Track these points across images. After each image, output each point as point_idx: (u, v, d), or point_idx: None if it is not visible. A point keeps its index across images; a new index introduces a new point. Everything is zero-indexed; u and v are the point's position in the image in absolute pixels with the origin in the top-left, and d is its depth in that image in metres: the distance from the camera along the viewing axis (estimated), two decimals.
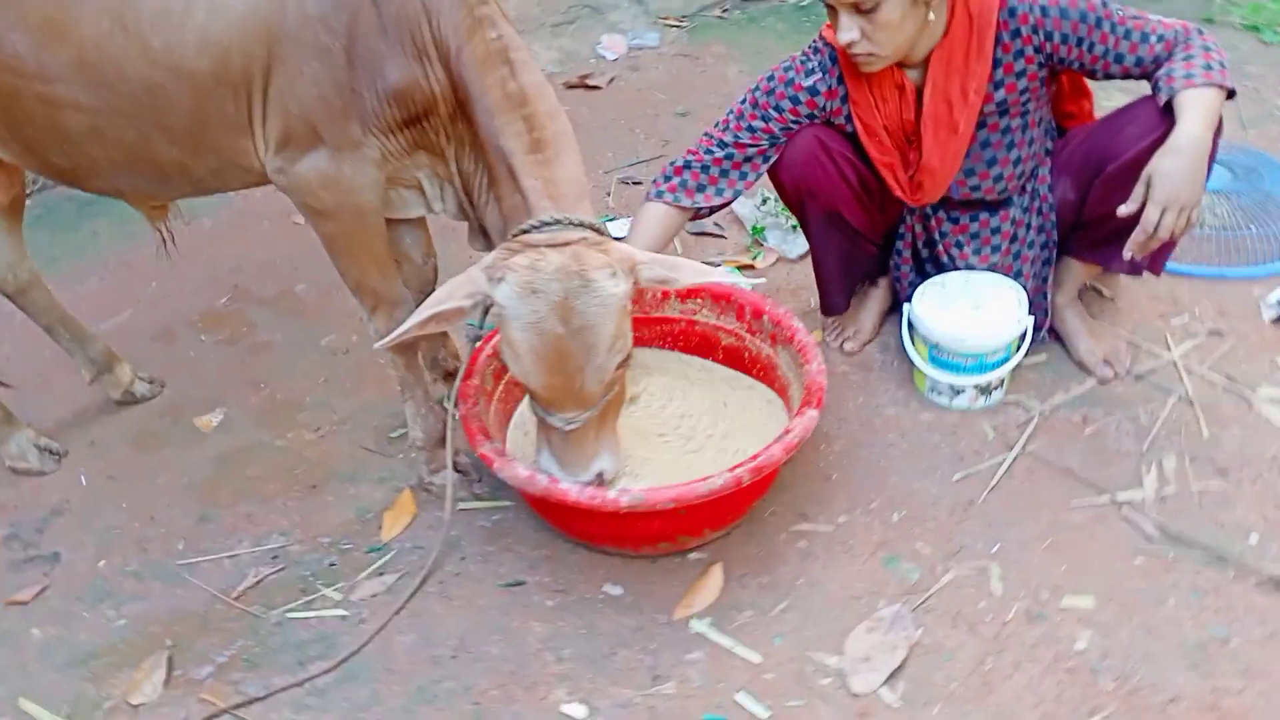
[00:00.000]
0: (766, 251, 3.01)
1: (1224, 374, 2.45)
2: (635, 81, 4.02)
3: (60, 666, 2.09)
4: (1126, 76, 2.16)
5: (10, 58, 1.94)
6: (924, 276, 2.52)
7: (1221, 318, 2.63)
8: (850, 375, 2.58)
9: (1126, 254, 2.06)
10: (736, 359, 2.49)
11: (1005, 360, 2.37)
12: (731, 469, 1.96)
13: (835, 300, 2.61)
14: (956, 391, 2.41)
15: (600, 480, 2.04)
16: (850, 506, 2.25)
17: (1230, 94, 2.03)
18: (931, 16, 2.09)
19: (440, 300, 1.86)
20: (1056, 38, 2.11)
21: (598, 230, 1.92)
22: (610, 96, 3.95)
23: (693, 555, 2.17)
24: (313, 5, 1.84)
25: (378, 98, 1.90)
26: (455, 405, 2.15)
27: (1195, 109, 1.98)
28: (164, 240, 2.40)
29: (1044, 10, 2.11)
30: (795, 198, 2.39)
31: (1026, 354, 2.52)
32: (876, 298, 2.66)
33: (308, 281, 3.09)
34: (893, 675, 1.91)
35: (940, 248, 2.47)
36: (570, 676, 1.97)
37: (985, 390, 2.41)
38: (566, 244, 1.85)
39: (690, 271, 1.94)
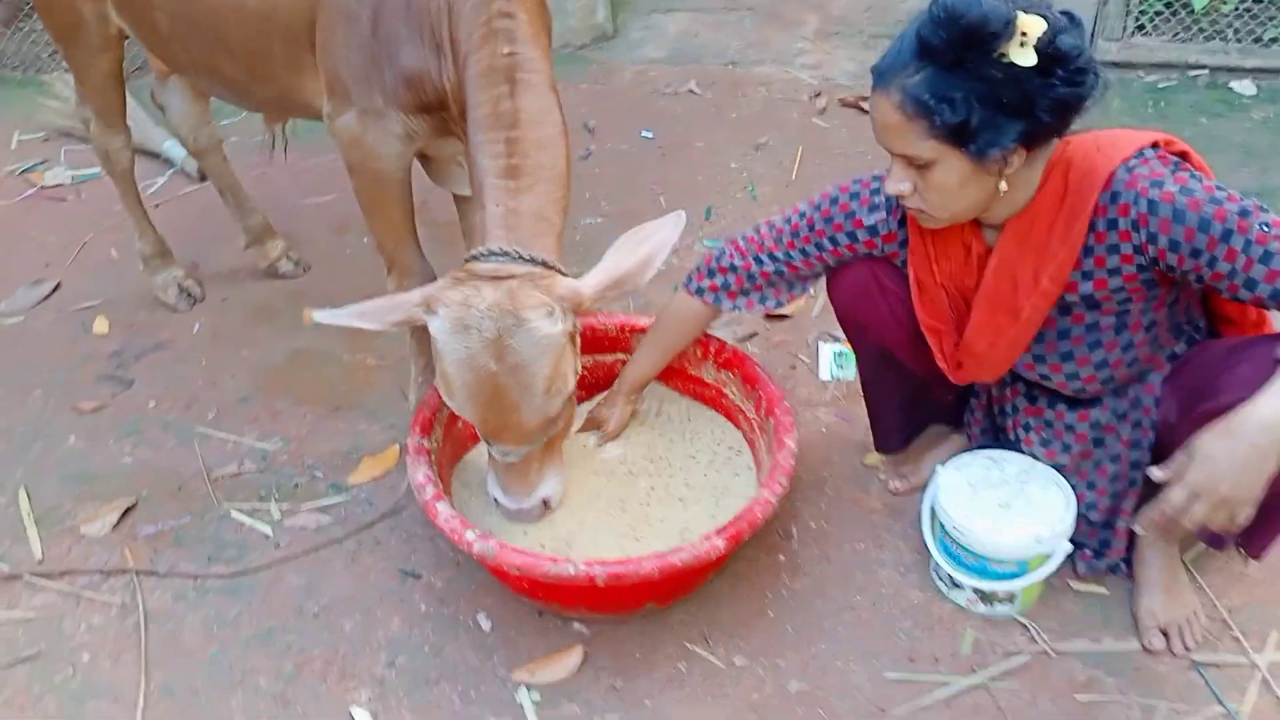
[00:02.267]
0: None
1: None
2: None
3: (65, 477, 2.43)
4: (1262, 306, 1.65)
5: None
6: (997, 443, 2.13)
7: None
8: (873, 516, 2.26)
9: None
10: (752, 448, 2.28)
11: (1013, 576, 1.96)
12: (589, 562, 1.82)
13: (888, 439, 2.28)
14: (955, 584, 2.04)
15: (545, 507, 2.05)
16: (757, 652, 2.00)
17: None
18: (1004, 187, 1.66)
19: (366, 312, 1.85)
20: (1163, 242, 1.61)
21: (550, 267, 1.83)
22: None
23: (576, 625, 2.06)
24: None
25: (393, 76, 1.91)
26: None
27: None
28: (273, 143, 2.61)
29: (1151, 206, 1.60)
30: (844, 324, 2.10)
31: (1084, 577, 2.08)
32: (949, 442, 2.29)
33: None
34: None
35: (1010, 423, 2.07)
36: (384, 684, 1.97)
37: (987, 597, 2.01)
38: (509, 277, 1.79)
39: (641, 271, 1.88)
